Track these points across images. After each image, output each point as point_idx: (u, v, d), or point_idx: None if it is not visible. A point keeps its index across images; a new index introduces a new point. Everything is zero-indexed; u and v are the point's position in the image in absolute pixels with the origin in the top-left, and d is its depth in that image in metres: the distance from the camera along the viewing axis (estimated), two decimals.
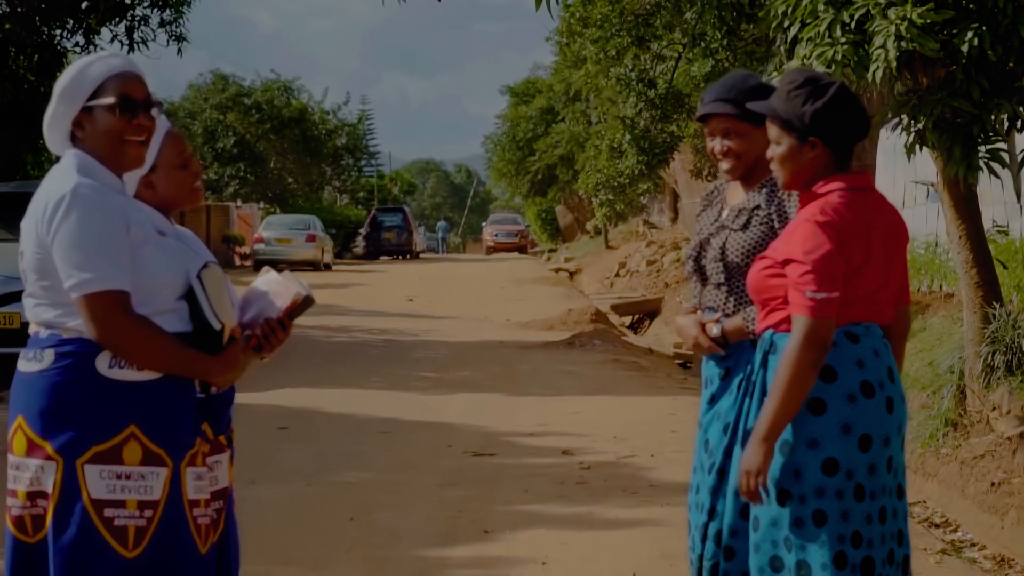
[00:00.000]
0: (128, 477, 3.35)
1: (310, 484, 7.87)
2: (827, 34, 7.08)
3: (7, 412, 3.46)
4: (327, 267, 36.06)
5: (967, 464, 8.62)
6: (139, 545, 3.36)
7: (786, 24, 7.51)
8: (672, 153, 21.92)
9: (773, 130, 3.82)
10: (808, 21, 7.23)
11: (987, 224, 10.03)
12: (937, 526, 7.46)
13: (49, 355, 3.40)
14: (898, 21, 6.79)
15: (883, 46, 6.83)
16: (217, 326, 3.52)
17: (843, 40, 7.01)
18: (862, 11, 6.96)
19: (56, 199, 3.34)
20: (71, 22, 15.82)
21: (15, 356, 11.93)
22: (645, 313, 23.83)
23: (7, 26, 14.51)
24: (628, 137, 20.98)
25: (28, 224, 3.41)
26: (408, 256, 46.45)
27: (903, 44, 6.80)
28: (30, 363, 3.42)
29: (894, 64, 6.80)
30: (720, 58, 20.20)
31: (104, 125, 3.49)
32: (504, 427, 10.03)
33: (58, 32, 16.02)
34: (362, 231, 47.44)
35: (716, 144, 4.22)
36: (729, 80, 4.27)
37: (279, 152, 47.97)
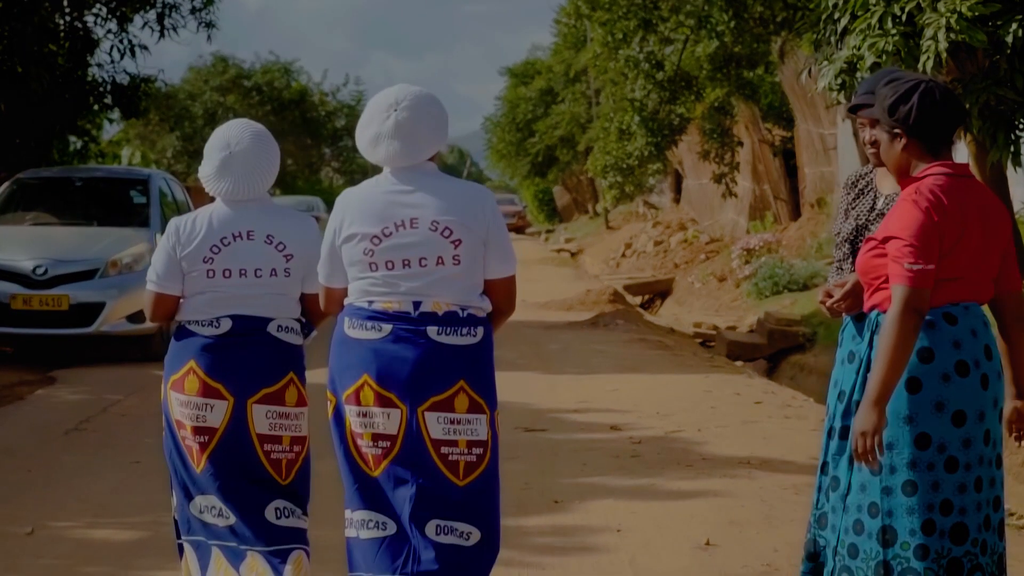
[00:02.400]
0: (458, 423, 4.12)
1: None
2: (878, 26, 7.40)
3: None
4: None
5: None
6: (470, 476, 4.11)
7: (836, 16, 7.83)
8: (681, 135, 22.14)
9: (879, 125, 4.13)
10: (859, 14, 7.55)
11: (1016, 206, 10.38)
12: None
13: (480, 330, 4.15)
14: (948, 14, 7.11)
15: (933, 37, 7.15)
16: None
17: (894, 32, 7.34)
18: (912, 4, 7.28)
19: (485, 199, 4.21)
20: (103, 9, 16.06)
21: (63, 337, 12.18)
22: (656, 293, 24.16)
23: (41, 13, 14.71)
24: (637, 119, 21.15)
25: (471, 219, 4.14)
26: None
27: (952, 36, 7.12)
28: (464, 337, 4.12)
29: (944, 55, 7.12)
30: (726, 40, 20.52)
31: None
32: (548, 404, 10.33)
33: (89, 19, 16.26)
34: None
35: (865, 134, 4.55)
36: (880, 74, 4.58)
37: (279, 134, 47.97)
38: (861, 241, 4.58)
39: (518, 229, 54.17)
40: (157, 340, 12.16)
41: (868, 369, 4.12)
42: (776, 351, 15.37)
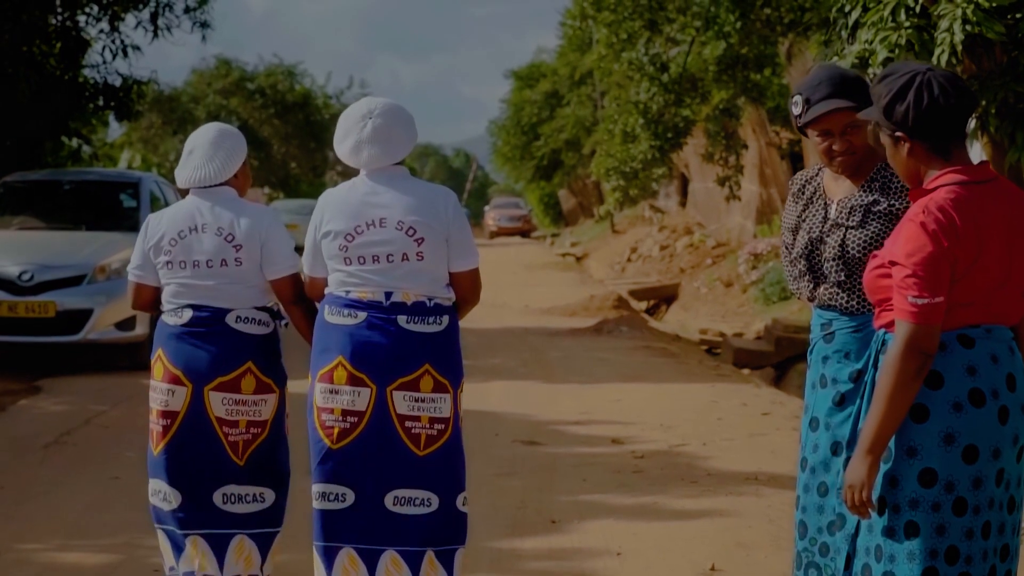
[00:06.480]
0: (423, 401, 4.49)
1: None
2: (891, 18, 7.03)
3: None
4: None
5: None
6: (429, 447, 4.50)
7: (847, 8, 7.46)
8: (686, 137, 21.76)
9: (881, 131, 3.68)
10: (871, 6, 7.19)
11: None
12: None
13: (446, 319, 4.54)
14: (964, 4, 6.76)
15: (949, 29, 6.80)
16: None
17: (907, 24, 6.98)
18: None
19: (447, 199, 4.58)
20: (95, 8, 15.72)
21: (49, 345, 11.79)
22: (662, 299, 23.80)
23: (33, 12, 14.37)
24: (641, 121, 20.80)
25: (432, 217, 4.52)
26: None
27: (969, 27, 6.76)
28: (430, 325, 4.51)
29: (960, 48, 6.76)
30: (733, 41, 20.17)
31: None
32: (548, 415, 9.98)
33: (82, 19, 15.91)
34: None
35: (836, 142, 4.12)
36: (827, 74, 4.17)
37: (283, 137, 47.81)
38: (816, 256, 4.17)
39: (524, 233, 53.77)
40: (146, 348, 11.76)
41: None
42: (784, 359, 15.00)
